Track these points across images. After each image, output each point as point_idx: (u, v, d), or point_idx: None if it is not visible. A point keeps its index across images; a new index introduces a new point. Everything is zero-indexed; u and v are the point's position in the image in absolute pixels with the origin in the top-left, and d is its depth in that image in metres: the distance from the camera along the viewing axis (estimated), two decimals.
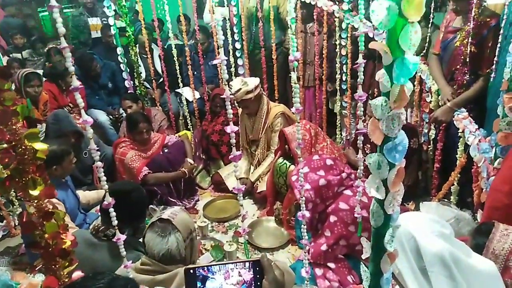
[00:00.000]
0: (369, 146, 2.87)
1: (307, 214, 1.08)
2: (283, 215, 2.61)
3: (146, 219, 2.63)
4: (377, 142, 0.88)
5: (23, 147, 0.75)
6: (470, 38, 2.14)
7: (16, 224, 2.82)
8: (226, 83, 0.85)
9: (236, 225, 2.80)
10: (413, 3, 0.76)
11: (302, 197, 1.11)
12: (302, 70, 3.71)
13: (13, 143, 0.74)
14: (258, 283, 0.96)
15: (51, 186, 0.84)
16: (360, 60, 0.93)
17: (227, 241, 2.53)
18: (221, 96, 3.50)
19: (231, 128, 0.83)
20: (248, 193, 3.13)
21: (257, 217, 2.85)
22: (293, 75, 0.85)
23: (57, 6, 0.68)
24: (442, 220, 1.45)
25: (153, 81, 3.90)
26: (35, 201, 0.82)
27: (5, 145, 0.74)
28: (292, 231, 2.57)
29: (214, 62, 0.83)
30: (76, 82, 0.73)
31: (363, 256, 1.01)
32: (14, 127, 0.74)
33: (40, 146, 0.78)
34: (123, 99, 3.53)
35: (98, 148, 0.97)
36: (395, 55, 0.80)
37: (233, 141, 0.89)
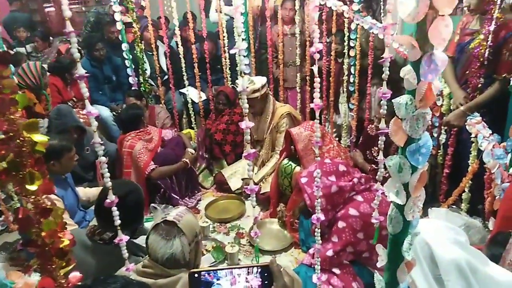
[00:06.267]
0: (376, 148, 2.81)
1: (322, 217, 1.02)
2: (287, 217, 2.55)
3: (147, 217, 2.59)
4: (399, 144, 0.83)
5: (21, 139, 0.70)
6: (488, 41, 2.08)
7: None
8: (243, 75, 0.80)
9: (238, 226, 2.75)
10: None
11: (317, 199, 1.06)
12: (283, 72, 3.75)
13: (11, 134, 0.69)
14: None
15: (50, 181, 0.79)
16: (386, 54, 0.88)
17: (228, 243, 2.48)
18: (225, 93, 3.46)
19: (246, 124, 0.78)
20: None
21: (260, 219, 2.80)
22: (315, 68, 0.80)
23: None
24: (457, 227, 1.39)
25: (158, 78, 3.86)
26: (32, 197, 0.76)
27: (2, 136, 0.69)
28: (295, 234, 2.51)
29: (233, 51, 0.77)
30: (81, 70, 0.68)
31: (378, 265, 0.96)
32: (12, 117, 0.69)
33: (39, 138, 0.72)
34: (127, 95, 3.48)
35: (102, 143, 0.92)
36: (424, 50, 0.74)
37: (247, 137, 0.83)
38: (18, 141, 0.71)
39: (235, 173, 3.21)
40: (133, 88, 3.66)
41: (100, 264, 1.59)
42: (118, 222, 0.85)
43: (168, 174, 2.91)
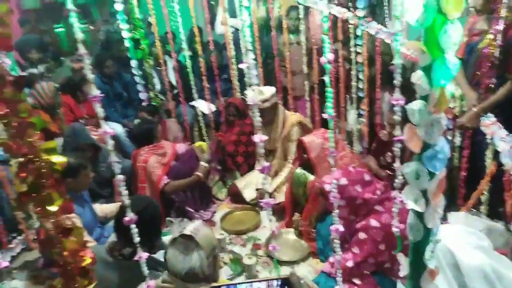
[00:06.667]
0: (389, 154, 2.78)
1: (341, 228, 1.01)
2: (303, 226, 2.53)
3: (163, 231, 2.59)
4: (415, 150, 0.82)
5: (40, 161, 0.71)
6: (497, 40, 2.06)
7: (35, 237, 2.79)
8: (253, 88, 0.80)
9: (255, 237, 2.73)
10: None
11: (335, 210, 1.05)
12: (291, 81, 3.75)
13: (30, 156, 0.70)
14: None
15: (69, 200, 0.80)
16: (397, 61, 0.88)
17: (246, 254, 2.46)
18: (235, 104, 3.48)
19: (259, 137, 0.78)
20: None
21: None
22: (326, 78, 0.80)
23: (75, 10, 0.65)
24: (478, 231, 1.36)
25: (168, 92, 3.91)
26: (53, 217, 0.77)
27: (21, 159, 0.70)
28: (312, 243, 2.48)
29: (242, 66, 0.77)
30: (95, 91, 0.69)
31: (401, 274, 0.94)
32: (30, 139, 0.70)
33: (58, 159, 0.74)
34: (140, 111, 3.53)
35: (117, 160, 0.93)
36: (434, 55, 0.74)
37: (260, 151, 0.83)
38: (37, 163, 0.72)
39: (249, 184, 3.21)
40: (144, 103, 3.71)
41: (121, 280, 1.60)
42: (137, 239, 0.85)
43: (181, 188, 2.92)
